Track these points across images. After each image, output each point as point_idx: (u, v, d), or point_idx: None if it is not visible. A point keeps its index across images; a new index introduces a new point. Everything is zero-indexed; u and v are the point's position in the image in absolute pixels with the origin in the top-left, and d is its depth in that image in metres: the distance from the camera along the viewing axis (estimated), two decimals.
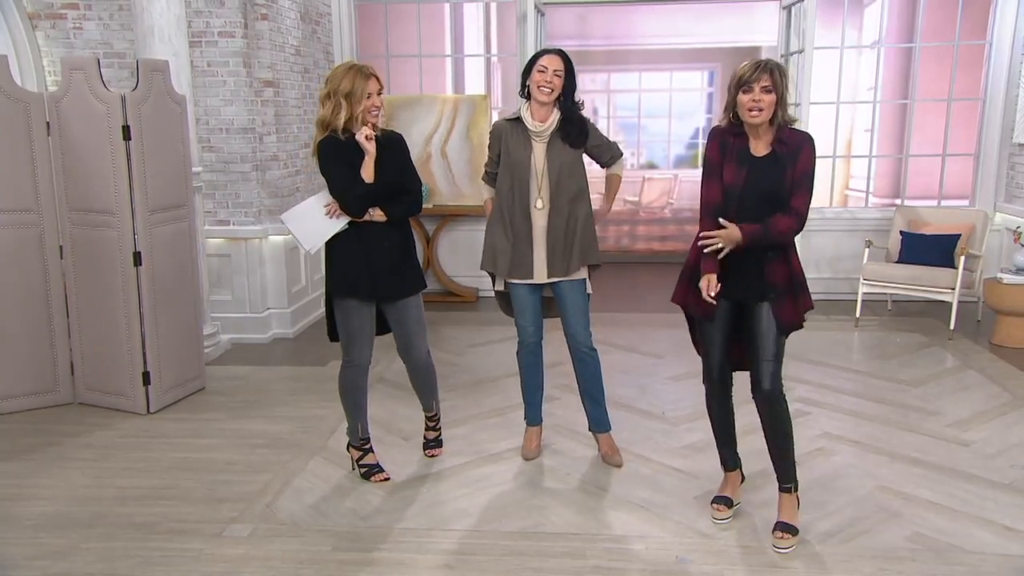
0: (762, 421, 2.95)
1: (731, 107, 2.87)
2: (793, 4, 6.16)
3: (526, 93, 3.43)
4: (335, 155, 3.17)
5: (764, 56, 10.62)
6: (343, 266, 3.26)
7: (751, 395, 2.95)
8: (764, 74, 2.75)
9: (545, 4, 6.55)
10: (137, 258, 4.14)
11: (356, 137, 3.14)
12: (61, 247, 4.28)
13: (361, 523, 3.13)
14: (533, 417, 3.75)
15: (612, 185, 3.63)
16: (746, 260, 2.88)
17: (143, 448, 3.85)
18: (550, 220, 3.43)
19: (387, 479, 3.48)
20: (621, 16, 9.31)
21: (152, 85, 4.17)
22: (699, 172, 11.32)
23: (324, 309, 3.44)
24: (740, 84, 2.78)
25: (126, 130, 4.04)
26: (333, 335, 3.42)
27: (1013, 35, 6.20)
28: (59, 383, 4.38)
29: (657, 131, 10.66)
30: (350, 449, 3.58)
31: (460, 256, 7.03)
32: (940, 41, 7.06)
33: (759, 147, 2.87)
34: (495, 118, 7.67)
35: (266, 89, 5.48)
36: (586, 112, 3.55)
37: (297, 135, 5.94)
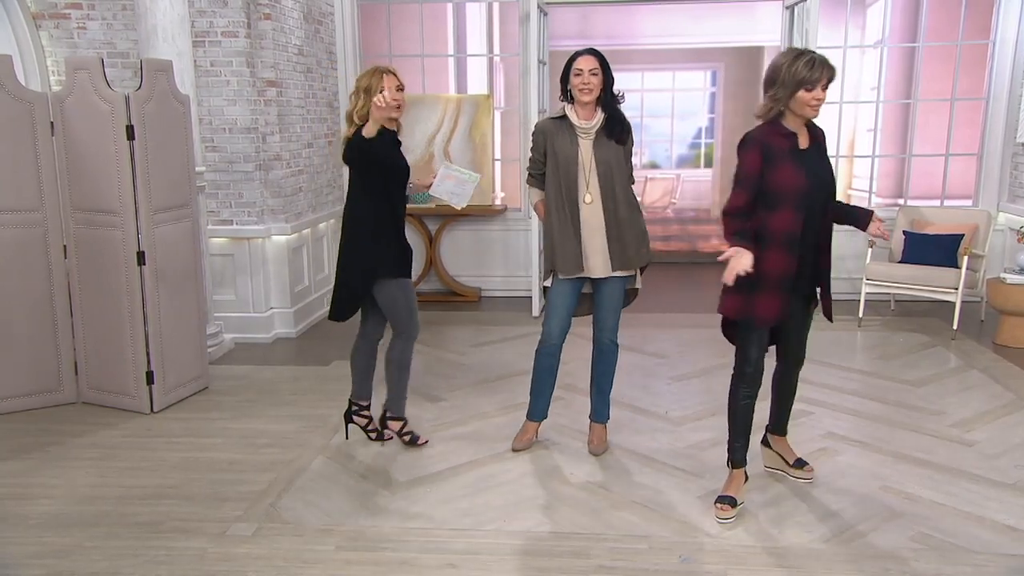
0: (783, 385, 3.35)
1: (782, 103, 2.92)
2: (796, 4, 6.15)
3: (568, 96, 3.49)
4: (375, 144, 3.44)
5: (767, 55, 10.56)
6: (399, 249, 3.61)
7: (779, 365, 3.31)
8: (831, 71, 2.89)
9: (548, 4, 6.55)
10: (141, 257, 4.15)
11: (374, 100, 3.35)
12: (65, 247, 4.29)
13: (365, 522, 3.13)
14: (534, 412, 3.78)
15: None
16: (813, 257, 3.06)
17: (147, 447, 3.85)
18: (606, 214, 3.48)
19: (427, 442, 3.83)
20: (623, 16, 9.29)
21: (156, 85, 4.18)
22: (702, 172, 11.34)
23: (341, 292, 3.65)
24: (802, 82, 2.86)
25: (130, 130, 4.04)
26: (345, 315, 3.68)
27: (1016, 35, 6.19)
28: (63, 382, 4.39)
29: (660, 131, 10.64)
30: (389, 424, 3.84)
31: (462, 256, 7.03)
32: (943, 41, 7.05)
33: (803, 141, 2.99)
34: (497, 118, 7.72)
35: (269, 89, 5.49)
36: None
37: (300, 135, 5.95)
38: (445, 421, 4.12)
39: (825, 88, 2.90)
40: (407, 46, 7.04)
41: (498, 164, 7.47)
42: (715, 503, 3.16)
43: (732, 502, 3.14)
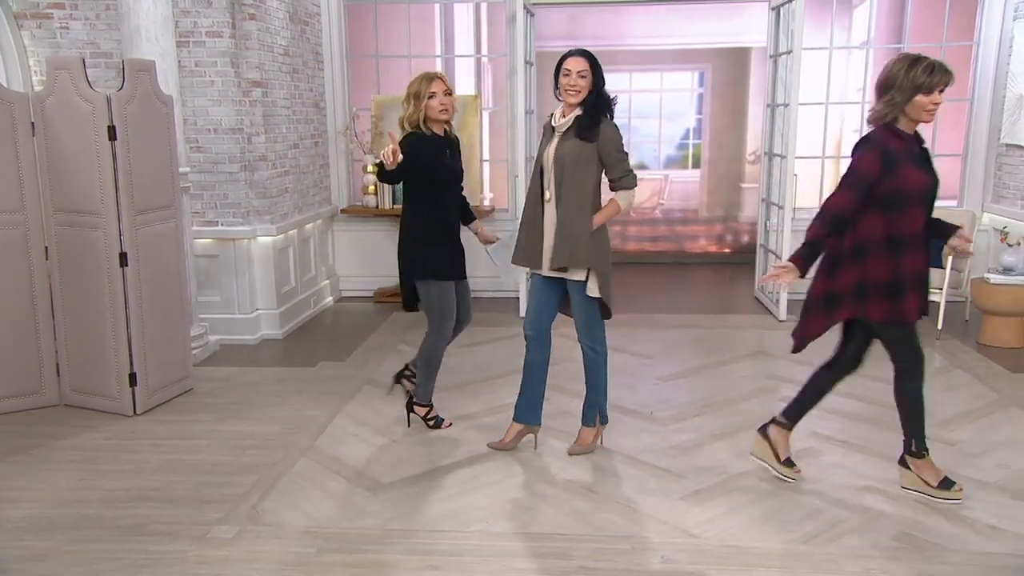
0: (821, 384, 3.48)
1: (899, 108, 3.00)
2: (782, 5, 6.17)
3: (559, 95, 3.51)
4: (405, 152, 3.54)
5: (754, 56, 10.54)
6: (443, 254, 3.80)
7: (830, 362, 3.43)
8: (949, 76, 2.96)
9: (534, 4, 6.55)
10: (123, 259, 4.12)
11: (380, 155, 3.50)
12: (46, 248, 4.26)
13: (347, 524, 3.12)
14: (516, 411, 3.76)
15: (609, 207, 3.50)
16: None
17: (129, 450, 3.83)
18: (556, 212, 3.48)
19: (451, 425, 4.04)
20: (611, 17, 9.30)
21: (138, 85, 4.15)
22: (689, 173, 11.25)
23: (401, 287, 3.92)
24: (920, 87, 2.94)
25: (112, 130, 4.01)
26: (412, 306, 3.93)
27: (1000, 36, 6.23)
28: (44, 385, 4.35)
29: (648, 132, 10.66)
30: (414, 409, 4.01)
31: None
32: (929, 42, 7.08)
33: (915, 145, 3.06)
34: (485, 119, 7.71)
35: (254, 89, 5.46)
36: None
37: (286, 135, 5.92)
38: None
39: (942, 92, 2.97)
40: (395, 47, 7.02)
41: (486, 165, 7.46)
42: (944, 492, 3.20)
43: (951, 482, 3.24)
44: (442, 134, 3.79)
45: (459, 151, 3.95)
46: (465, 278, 3.99)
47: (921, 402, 3.25)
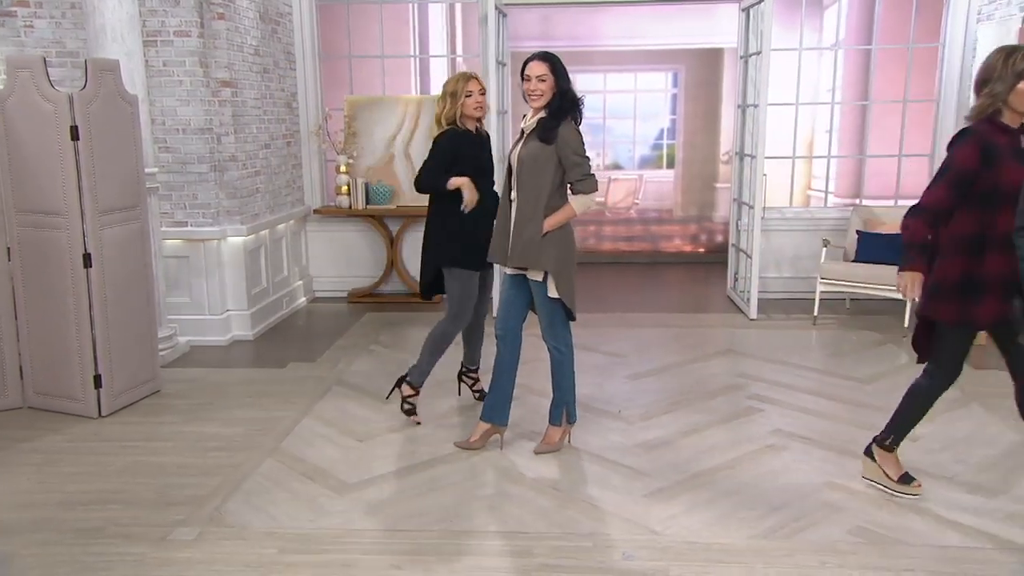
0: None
1: (1000, 98, 2.87)
2: (752, 6, 6.22)
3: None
4: (447, 148, 3.87)
5: (727, 56, 10.60)
6: (470, 243, 3.89)
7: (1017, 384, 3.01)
8: None
9: (507, 5, 6.56)
10: (87, 260, 4.08)
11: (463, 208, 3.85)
12: (8, 248, 4.21)
13: (310, 525, 3.11)
14: (483, 411, 3.77)
15: (562, 211, 3.47)
16: None
17: (93, 452, 3.79)
18: (516, 212, 3.52)
19: (419, 423, 4.07)
20: (585, 17, 9.33)
21: (102, 85, 4.12)
22: (664, 173, 11.28)
23: (422, 276, 4.08)
24: (1021, 74, 2.81)
25: (74, 130, 3.98)
26: (429, 294, 4.11)
27: (964, 37, 6.31)
28: (7, 387, 4.30)
29: (622, 132, 10.71)
30: (403, 386, 4.10)
31: None
32: (896, 43, 7.17)
33: (1020, 140, 2.91)
34: None
35: (224, 89, 5.43)
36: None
37: (256, 135, 5.89)
38: (399, 421, 4.10)
39: None
40: (369, 46, 7.01)
41: None
42: (903, 487, 3.25)
43: (911, 478, 3.28)
44: (474, 131, 3.97)
45: (490, 147, 4.13)
46: (491, 269, 4.13)
47: (928, 406, 3.24)
